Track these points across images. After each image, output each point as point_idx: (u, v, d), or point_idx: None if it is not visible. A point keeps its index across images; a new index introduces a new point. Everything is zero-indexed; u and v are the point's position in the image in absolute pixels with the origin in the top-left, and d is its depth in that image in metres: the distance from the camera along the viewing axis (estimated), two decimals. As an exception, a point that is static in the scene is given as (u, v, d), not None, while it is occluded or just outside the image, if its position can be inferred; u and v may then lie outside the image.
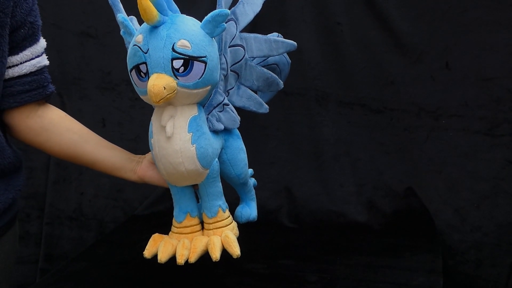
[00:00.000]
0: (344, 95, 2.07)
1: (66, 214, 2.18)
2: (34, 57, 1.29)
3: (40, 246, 2.21)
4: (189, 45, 1.17)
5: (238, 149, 1.38)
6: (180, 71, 1.17)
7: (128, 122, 2.08)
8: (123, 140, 2.08)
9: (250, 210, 1.47)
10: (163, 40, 1.16)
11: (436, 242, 1.82)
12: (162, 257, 1.30)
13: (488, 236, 2.01)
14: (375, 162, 2.08)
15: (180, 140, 1.22)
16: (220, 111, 1.31)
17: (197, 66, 1.18)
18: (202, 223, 1.36)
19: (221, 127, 1.31)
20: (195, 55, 1.17)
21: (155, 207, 2.10)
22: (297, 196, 2.10)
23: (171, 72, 1.16)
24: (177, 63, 1.17)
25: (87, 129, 1.38)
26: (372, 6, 1.98)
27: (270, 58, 1.46)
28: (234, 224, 1.37)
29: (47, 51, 1.32)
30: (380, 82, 2.04)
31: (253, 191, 1.50)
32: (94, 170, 1.38)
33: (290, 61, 1.56)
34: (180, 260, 1.28)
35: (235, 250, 1.29)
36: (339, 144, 2.10)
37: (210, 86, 1.23)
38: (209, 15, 1.20)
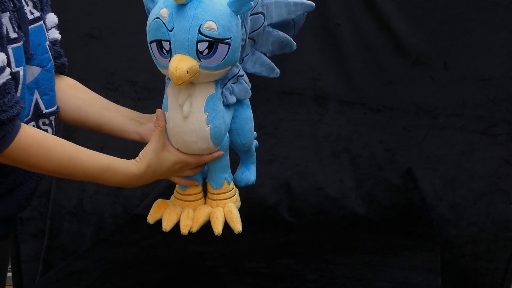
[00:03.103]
0: (344, 95, 2.08)
1: (67, 210, 2.19)
2: None
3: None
4: (215, 27, 1.13)
5: (247, 118, 1.34)
6: (204, 53, 1.14)
7: (131, 121, 2.09)
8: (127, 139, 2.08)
9: (249, 174, 1.45)
10: (189, 20, 1.12)
11: (434, 241, 1.83)
12: (167, 226, 1.29)
13: (484, 232, 2.04)
14: (374, 159, 2.10)
15: (196, 120, 1.20)
16: (234, 83, 1.28)
17: (221, 48, 1.14)
18: (204, 191, 1.35)
19: (234, 100, 1.27)
20: (220, 37, 1.14)
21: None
22: (297, 191, 2.11)
23: (195, 54, 1.13)
24: (202, 46, 1.13)
25: (95, 94, 1.38)
26: (371, 7, 1.99)
27: None
28: (237, 195, 1.35)
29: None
30: (380, 82, 2.05)
31: (255, 154, 1.46)
32: None
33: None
34: (184, 231, 1.28)
35: (237, 226, 1.29)
36: (338, 141, 2.11)
37: (230, 66, 1.20)
38: None
